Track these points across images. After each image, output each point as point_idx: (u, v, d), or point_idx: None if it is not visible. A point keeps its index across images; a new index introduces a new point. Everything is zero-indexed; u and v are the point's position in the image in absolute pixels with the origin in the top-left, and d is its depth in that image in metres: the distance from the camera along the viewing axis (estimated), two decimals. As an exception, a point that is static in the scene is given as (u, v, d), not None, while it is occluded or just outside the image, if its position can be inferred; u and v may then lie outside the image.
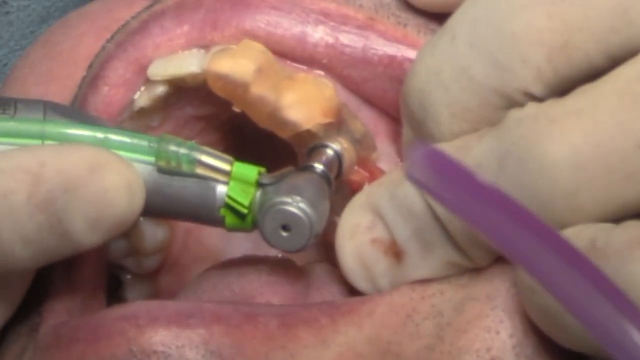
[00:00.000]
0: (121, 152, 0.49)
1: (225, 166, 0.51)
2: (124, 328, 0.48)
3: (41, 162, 0.47)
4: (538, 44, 0.45)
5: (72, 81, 0.58)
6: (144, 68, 0.56)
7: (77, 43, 0.60)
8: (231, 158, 0.51)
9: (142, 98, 0.57)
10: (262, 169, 0.51)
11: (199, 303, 0.49)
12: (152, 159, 0.50)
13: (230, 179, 0.50)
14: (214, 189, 0.51)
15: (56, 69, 0.59)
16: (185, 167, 0.50)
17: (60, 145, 0.48)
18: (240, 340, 0.48)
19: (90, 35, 0.59)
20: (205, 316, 0.48)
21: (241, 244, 0.64)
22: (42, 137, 0.49)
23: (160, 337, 0.47)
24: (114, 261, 0.60)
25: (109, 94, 0.56)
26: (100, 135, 0.50)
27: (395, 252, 0.50)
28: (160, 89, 0.57)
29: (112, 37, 0.57)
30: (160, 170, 0.50)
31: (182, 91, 0.57)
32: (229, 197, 0.50)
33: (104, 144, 0.49)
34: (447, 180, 0.39)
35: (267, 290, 0.55)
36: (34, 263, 0.48)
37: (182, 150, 0.50)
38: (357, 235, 0.51)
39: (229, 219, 0.51)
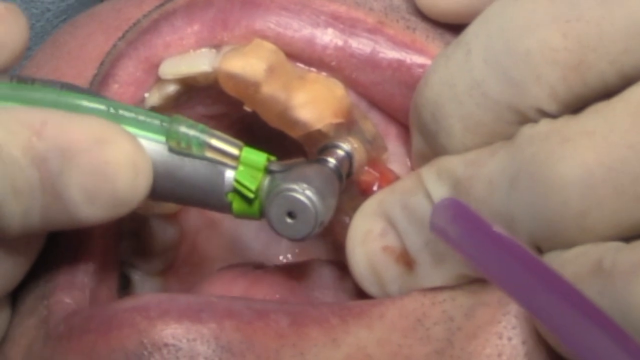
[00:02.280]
0: (132, 129, 0.49)
1: (234, 151, 0.51)
2: (135, 320, 0.47)
3: (43, 120, 0.47)
4: (552, 63, 0.45)
5: (80, 80, 0.58)
6: (154, 67, 0.56)
7: (85, 43, 0.60)
8: (241, 143, 0.51)
9: (153, 97, 0.57)
10: (273, 157, 0.51)
11: (210, 298, 0.49)
12: (162, 138, 0.50)
13: (239, 164, 0.50)
14: (222, 174, 0.50)
15: (64, 68, 0.59)
16: (195, 150, 0.50)
17: (69, 112, 0.49)
18: (251, 336, 0.47)
19: (98, 35, 0.60)
20: (217, 311, 0.48)
21: (250, 244, 0.64)
22: (57, 106, 0.49)
23: (172, 330, 0.47)
24: (123, 259, 0.60)
25: (119, 92, 0.56)
26: (113, 110, 0.50)
27: (407, 261, 0.50)
28: (172, 88, 0.57)
29: (124, 35, 0.57)
30: (171, 150, 0.50)
31: (193, 90, 0.57)
32: (237, 181, 0.50)
33: (116, 119, 0.49)
34: (467, 232, 0.40)
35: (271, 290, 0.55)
36: (27, 222, 0.48)
37: (193, 133, 0.50)
38: (368, 241, 0.51)
39: (237, 204, 0.51)
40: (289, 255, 0.64)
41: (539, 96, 0.45)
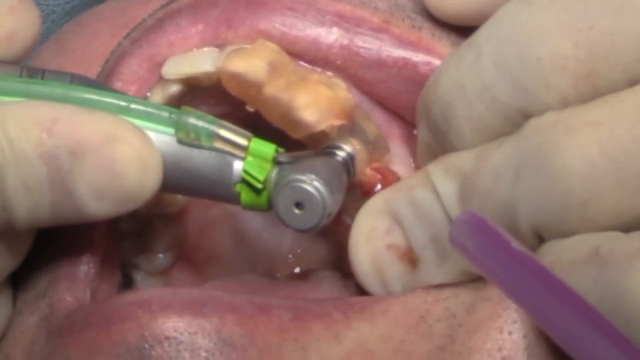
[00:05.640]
0: (141, 121, 0.50)
1: (243, 141, 0.51)
2: (137, 314, 0.47)
3: (54, 118, 0.48)
4: (563, 71, 0.44)
5: None
6: (158, 65, 0.56)
7: (90, 42, 0.60)
8: (250, 134, 0.51)
9: (156, 96, 0.57)
10: (281, 149, 0.52)
11: (213, 292, 0.49)
12: (171, 130, 0.50)
13: (248, 154, 0.51)
14: (231, 165, 0.51)
15: (68, 67, 0.59)
16: (204, 141, 0.50)
17: (80, 108, 0.49)
18: (252, 331, 0.47)
19: (104, 34, 0.60)
20: (219, 305, 0.48)
21: (253, 244, 0.64)
22: (66, 100, 0.49)
23: (173, 324, 0.47)
24: (126, 259, 0.60)
25: (122, 90, 0.56)
26: (122, 103, 0.50)
27: (411, 259, 0.50)
28: (174, 88, 0.57)
29: (129, 34, 0.57)
30: (180, 142, 0.50)
31: (197, 90, 0.57)
32: (245, 171, 0.50)
33: (125, 112, 0.50)
34: (485, 247, 0.40)
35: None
36: (35, 217, 0.48)
37: (202, 124, 0.50)
38: (373, 239, 0.51)
39: (245, 195, 0.51)
40: (291, 255, 0.63)
41: (549, 103, 0.45)
